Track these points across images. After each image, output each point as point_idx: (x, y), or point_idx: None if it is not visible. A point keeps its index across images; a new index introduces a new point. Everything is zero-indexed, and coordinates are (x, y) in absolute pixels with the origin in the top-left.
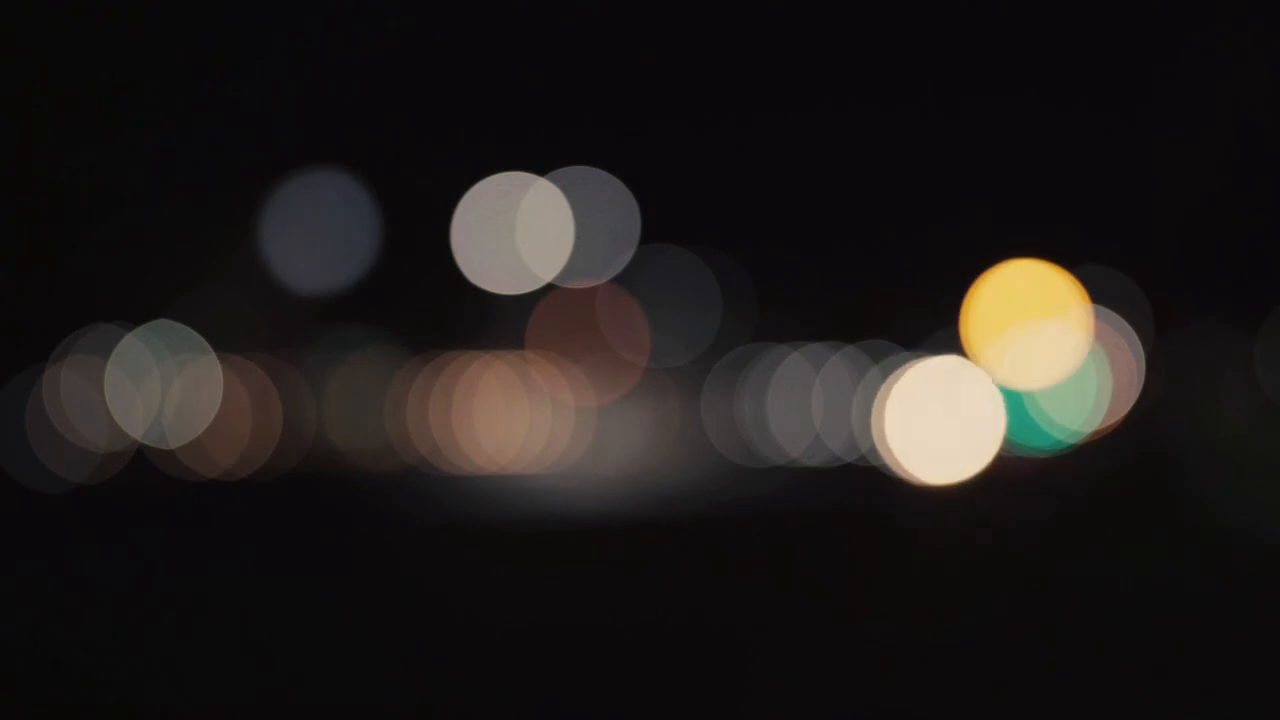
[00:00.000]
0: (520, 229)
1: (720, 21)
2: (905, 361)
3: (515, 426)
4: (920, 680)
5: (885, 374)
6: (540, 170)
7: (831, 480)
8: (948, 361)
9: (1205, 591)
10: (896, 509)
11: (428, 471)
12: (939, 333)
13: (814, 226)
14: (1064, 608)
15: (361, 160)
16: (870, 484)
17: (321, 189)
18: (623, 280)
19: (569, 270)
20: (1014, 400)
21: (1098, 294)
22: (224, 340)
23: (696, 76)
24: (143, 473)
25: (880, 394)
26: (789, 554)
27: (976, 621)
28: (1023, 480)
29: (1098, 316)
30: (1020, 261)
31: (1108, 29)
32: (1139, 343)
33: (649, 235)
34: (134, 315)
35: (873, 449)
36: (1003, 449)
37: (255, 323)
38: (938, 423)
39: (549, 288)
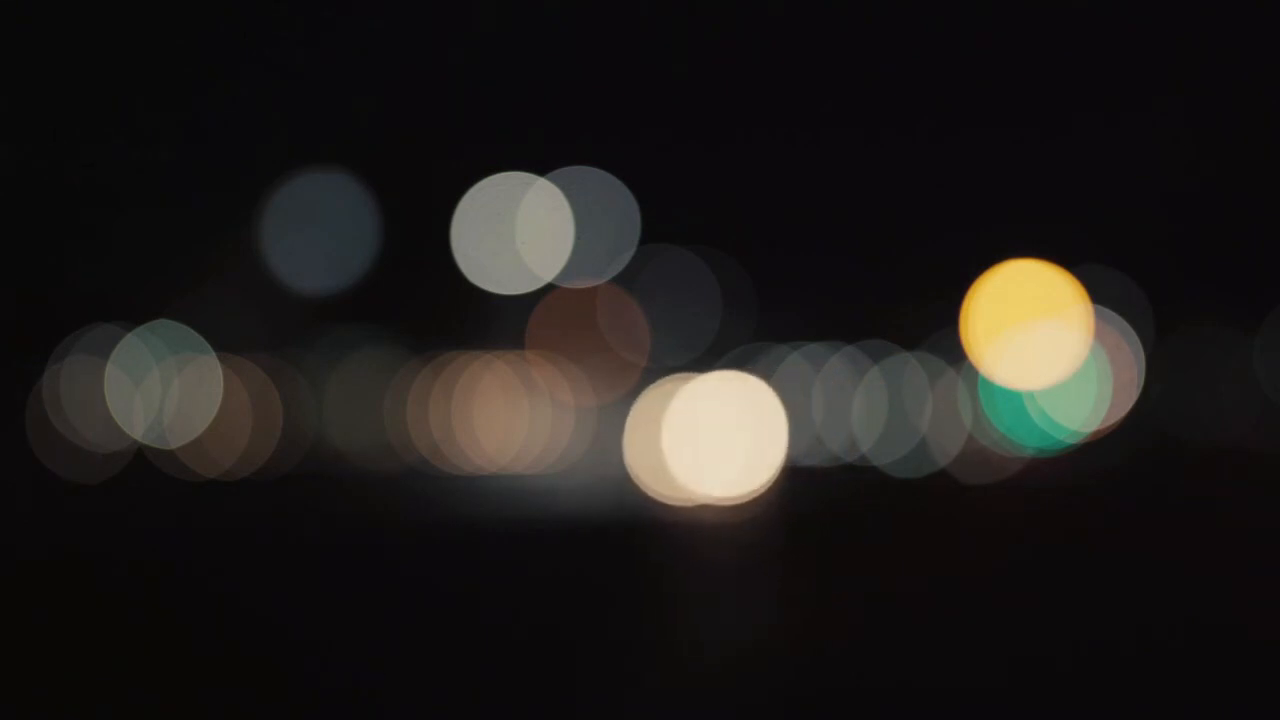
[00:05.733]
0: (520, 229)
1: (720, 22)
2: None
3: (515, 426)
4: (920, 679)
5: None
6: (540, 170)
7: (832, 480)
8: (728, 376)
9: (1205, 591)
10: (896, 509)
11: (428, 471)
12: (939, 332)
13: (814, 227)
14: (1064, 608)
15: (361, 160)
16: (870, 484)
17: (321, 189)
18: (623, 280)
19: (569, 270)
20: (1014, 400)
21: (1098, 294)
22: (224, 340)
23: (697, 77)
24: (143, 473)
25: (661, 412)
26: (789, 554)
27: (976, 621)
28: (1023, 480)
29: (1098, 316)
30: (1020, 261)
31: (1107, 30)
32: (1139, 343)
33: (649, 235)
34: (134, 315)
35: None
36: (1003, 450)
37: (255, 323)
38: (720, 439)
39: (549, 288)
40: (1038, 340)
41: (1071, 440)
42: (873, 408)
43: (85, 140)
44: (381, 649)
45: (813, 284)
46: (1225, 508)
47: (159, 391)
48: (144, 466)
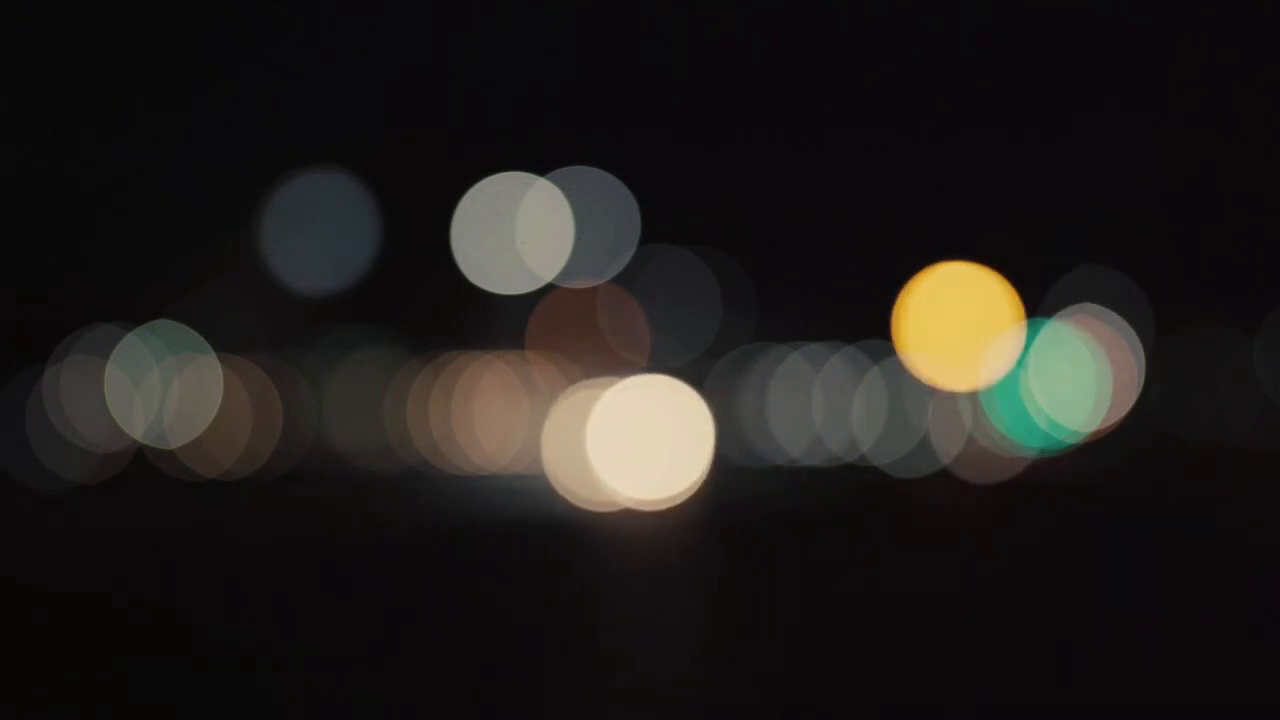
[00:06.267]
0: (520, 229)
1: (720, 24)
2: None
3: (515, 426)
4: (920, 678)
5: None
6: (540, 170)
7: (831, 480)
8: (653, 381)
9: (1205, 591)
10: (895, 508)
11: (428, 471)
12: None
13: (814, 227)
14: (1064, 606)
15: (361, 160)
16: (870, 484)
17: (321, 189)
18: (623, 280)
19: (569, 270)
20: (1014, 400)
21: (1098, 294)
22: (224, 340)
23: (697, 77)
24: (143, 473)
25: (584, 417)
26: (788, 553)
27: (976, 619)
28: (1024, 480)
29: (1098, 316)
30: (955, 264)
31: (1107, 30)
32: (1139, 343)
33: (649, 235)
34: (134, 315)
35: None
36: (1003, 450)
37: (255, 323)
38: (647, 442)
39: (549, 288)
40: (967, 342)
41: (1071, 440)
42: (873, 408)
43: (85, 140)
44: (381, 648)
45: (813, 284)
46: (1225, 508)
47: (159, 391)
48: (144, 466)
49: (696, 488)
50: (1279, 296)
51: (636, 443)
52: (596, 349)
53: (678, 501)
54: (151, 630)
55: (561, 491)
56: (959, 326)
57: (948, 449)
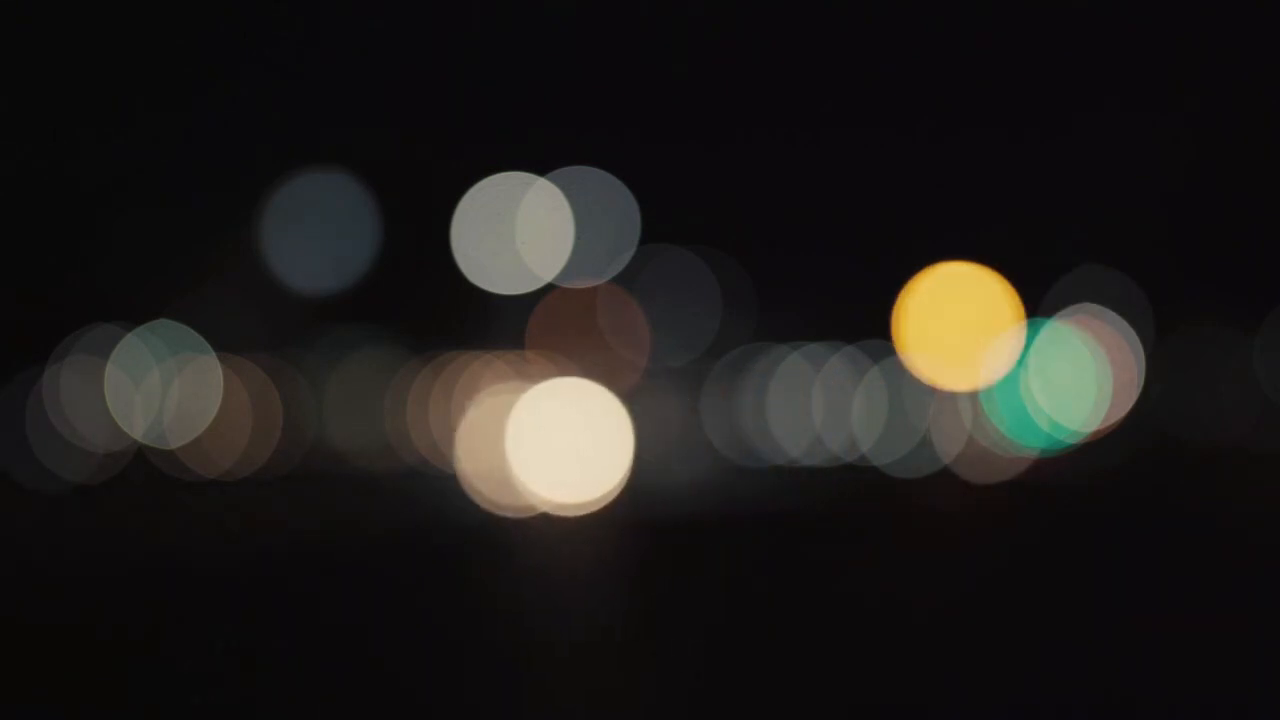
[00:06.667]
0: (520, 229)
1: (720, 23)
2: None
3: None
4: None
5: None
6: (540, 170)
7: (831, 480)
8: (571, 384)
9: (1205, 591)
10: (895, 508)
11: (428, 472)
12: None
13: (814, 227)
14: (1063, 607)
15: (361, 160)
16: (870, 484)
17: (321, 189)
18: (623, 280)
19: (569, 270)
20: (1014, 400)
21: (1098, 294)
22: (224, 340)
23: (697, 77)
24: (143, 473)
25: (500, 420)
26: (788, 554)
27: (976, 620)
28: (1024, 480)
29: (1098, 316)
30: (955, 264)
31: (1107, 30)
32: (1139, 343)
33: (649, 235)
34: (134, 315)
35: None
36: (1003, 450)
37: (255, 323)
38: (566, 445)
39: (549, 288)
40: (966, 342)
41: (1071, 440)
42: (873, 408)
43: (85, 140)
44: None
45: (813, 284)
46: (1225, 508)
47: (159, 391)
48: (144, 466)
49: (616, 492)
50: (1279, 296)
51: (554, 446)
52: (596, 349)
53: (596, 506)
54: (151, 630)
55: (474, 495)
56: (959, 326)
57: (948, 449)
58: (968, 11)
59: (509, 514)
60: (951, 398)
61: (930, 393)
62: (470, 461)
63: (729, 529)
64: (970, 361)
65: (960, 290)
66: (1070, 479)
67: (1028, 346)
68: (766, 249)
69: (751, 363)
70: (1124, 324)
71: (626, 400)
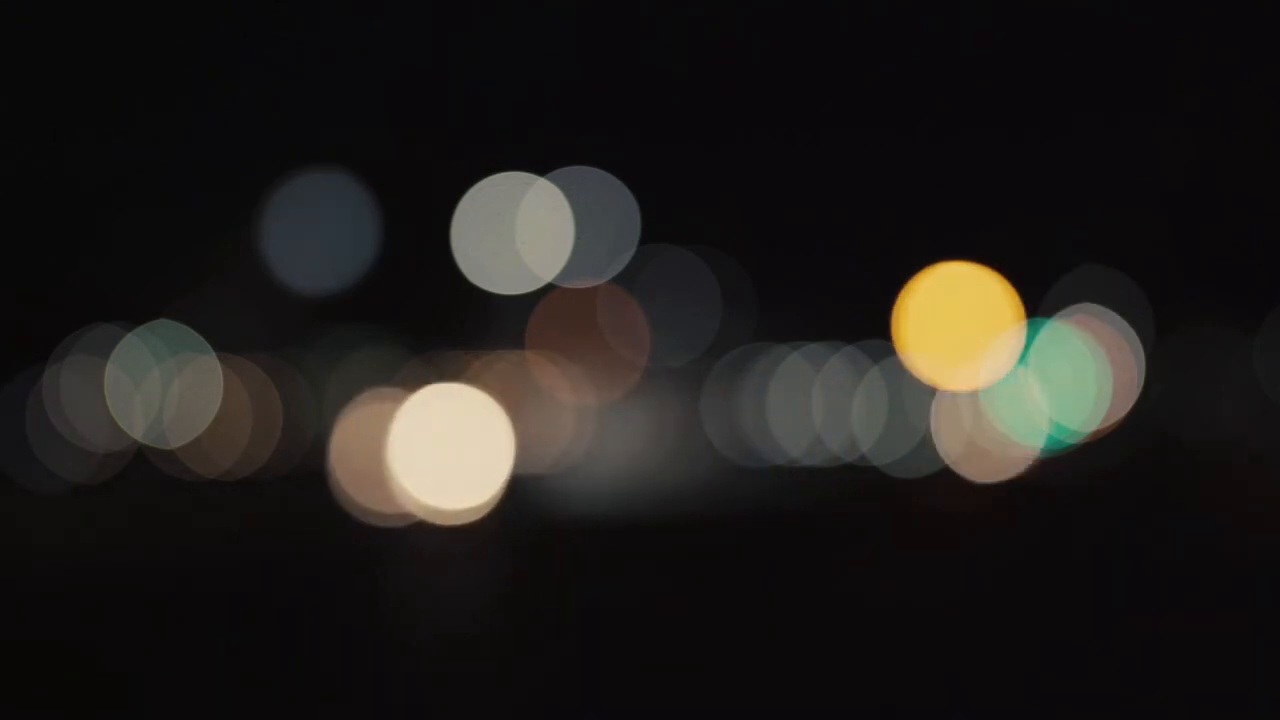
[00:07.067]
0: (520, 229)
1: (720, 23)
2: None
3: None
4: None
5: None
6: (540, 170)
7: (831, 480)
8: (450, 390)
9: (1205, 591)
10: (895, 508)
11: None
12: None
13: (814, 227)
14: (1064, 607)
15: (361, 160)
16: (870, 484)
17: (321, 189)
18: (623, 280)
19: (569, 270)
20: (1014, 400)
21: (1098, 294)
22: (224, 340)
23: (697, 77)
24: (143, 473)
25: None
26: (788, 554)
27: (976, 620)
28: (1024, 480)
29: (1098, 316)
30: (955, 264)
31: (1108, 31)
32: (1139, 343)
33: (649, 235)
34: (134, 315)
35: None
36: (1003, 450)
37: (255, 323)
38: (445, 451)
39: (549, 288)
40: (966, 342)
41: (1071, 440)
42: (873, 408)
43: (85, 139)
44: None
45: (813, 284)
46: (1225, 508)
47: (159, 391)
48: (144, 466)
49: (495, 500)
50: (1279, 296)
51: (431, 454)
52: (596, 349)
53: (475, 515)
54: (151, 630)
55: (345, 503)
56: (959, 326)
57: (948, 449)
58: (968, 11)
59: (380, 521)
60: (952, 398)
61: (930, 393)
62: (345, 466)
63: (729, 529)
64: (970, 361)
65: (960, 290)
66: (1070, 479)
67: (1028, 346)
68: (766, 249)
69: (751, 363)
70: (1124, 324)
71: (626, 401)
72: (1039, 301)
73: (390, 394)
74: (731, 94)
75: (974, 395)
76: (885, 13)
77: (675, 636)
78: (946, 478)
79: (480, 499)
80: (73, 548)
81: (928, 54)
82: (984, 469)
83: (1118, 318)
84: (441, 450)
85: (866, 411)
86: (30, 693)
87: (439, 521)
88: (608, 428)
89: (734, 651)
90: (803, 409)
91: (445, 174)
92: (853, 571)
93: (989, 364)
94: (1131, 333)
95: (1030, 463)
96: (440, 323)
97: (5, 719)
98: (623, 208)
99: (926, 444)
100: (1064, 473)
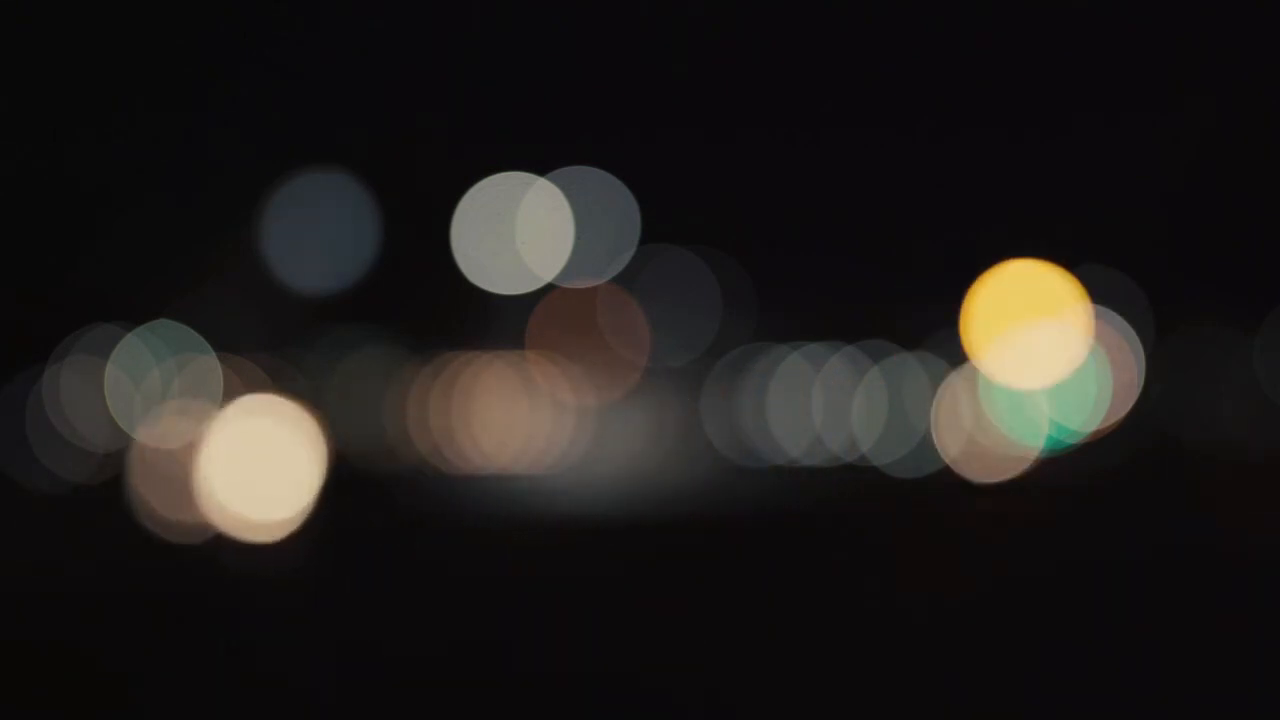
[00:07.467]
0: (520, 229)
1: (720, 22)
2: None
3: (515, 426)
4: (920, 679)
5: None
6: (540, 170)
7: (831, 480)
8: (263, 403)
9: (1205, 591)
10: (896, 509)
11: (428, 471)
12: (940, 333)
13: (814, 227)
14: (1064, 607)
15: (361, 160)
16: (870, 484)
17: (321, 189)
18: (623, 280)
19: (569, 270)
20: (1016, 400)
21: (1098, 294)
22: (224, 340)
23: (697, 77)
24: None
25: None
26: (788, 554)
27: (978, 619)
28: (1024, 480)
29: (1098, 316)
30: (1020, 261)
31: (1108, 31)
32: (1139, 343)
33: (649, 235)
34: (134, 315)
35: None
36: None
37: (255, 323)
38: (251, 467)
39: (549, 288)
40: (1038, 340)
41: (1071, 440)
42: (873, 408)
43: (85, 140)
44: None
45: (813, 284)
46: (1225, 508)
47: (159, 391)
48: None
49: (304, 515)
50: (1279, 296)
51: (239, 468)
52: (596, 349)
53: (284, 530)
54: (151, 629)
55: (143, 518)
56: (1032, 324)
57: (948, 449)
58: (968, 12)
59: (181, 538)
60: (952, 398)
61: (930, 393)
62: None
63: (729, 529)
64: (1036, 357)
65: (1030, 288)
66: (1070, 479)
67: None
68: (766, 249)
69: (751, 363)
70: (1124, 324)
71: (626, 401)
72: None
73: (201, 408)
74: (731, 94)
75: (973, 394)
76: (885, 13)
77: (675, 636)
78: (946, 478)
79: (288, 514)
80: (73, 548)
81: (928, 54)
82: (984, 469)
83: (1118, 318)
84: (248, 465)
85: (866, 411)
86: (30, 693)
87: (246, 538)
88: (608, 428)
89: (734, 652)
90: (803, 409)
91: (445, 174)
92: (853, 571)
93: (1060, 360)
94: (1131, 333)
95: (1030, 463)
96: (440, 323)
97: (5, 719)
98: (623, 208)
99: (926, 444)
100: (1064, 473)
